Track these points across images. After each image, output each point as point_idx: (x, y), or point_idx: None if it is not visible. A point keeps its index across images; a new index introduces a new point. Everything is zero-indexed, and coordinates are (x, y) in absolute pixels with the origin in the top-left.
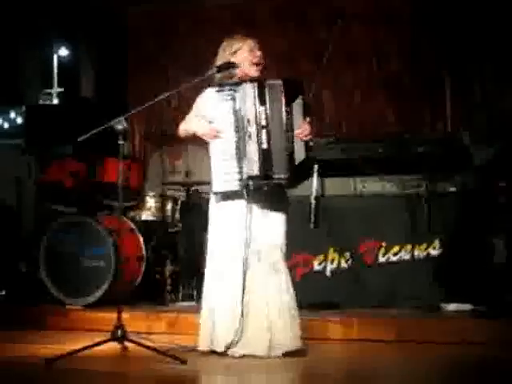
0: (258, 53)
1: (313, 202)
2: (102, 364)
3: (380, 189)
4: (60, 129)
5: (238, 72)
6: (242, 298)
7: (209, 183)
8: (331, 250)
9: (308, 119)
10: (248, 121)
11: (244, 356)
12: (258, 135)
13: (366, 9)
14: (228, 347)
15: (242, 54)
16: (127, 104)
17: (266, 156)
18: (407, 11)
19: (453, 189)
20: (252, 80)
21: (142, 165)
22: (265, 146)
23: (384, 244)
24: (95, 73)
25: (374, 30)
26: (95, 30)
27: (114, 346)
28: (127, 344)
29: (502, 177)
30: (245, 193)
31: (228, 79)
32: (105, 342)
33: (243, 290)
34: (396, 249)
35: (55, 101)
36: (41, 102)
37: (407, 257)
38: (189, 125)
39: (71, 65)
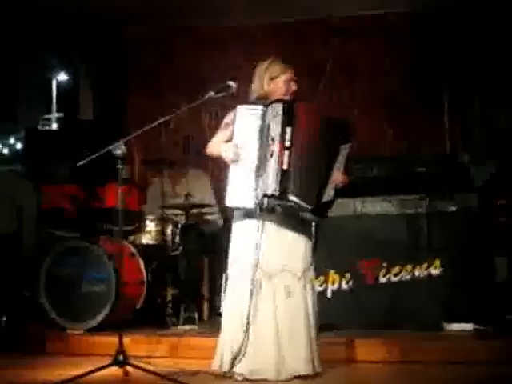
0: (294, 87)
1: (313, 223)
2: None
3: (380, 209)
4: (59, 154)
5: (261, 93)
6: (248, 319)
7: (209, 205)
8: (332, 271)
9: (342, 169)
10: (272, 139)
11: (247, 380)
12: (280, 155)
13: (364, 25)
14: (232, 367)
15: (279, 84)
16: (127, 127)
17: (284, 176)
18: (406, 28)
19: (453, 208)
20: (283, 100)
21: (142, 188)
22: (285, 166)
23: (385, 264)
24: (94, 97)
25: (373, 46)
26: (94, 53)
27: (115, 370)
28: (129, 368)
29: (501, 195)
30: (258, 210)
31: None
32: (106, 366)
33: (249, 311)
34: (397, 269)
35: (54, 126)
36: (40, 127)
37: (408, 277)
38: (215, 148)
39: (70, 89)
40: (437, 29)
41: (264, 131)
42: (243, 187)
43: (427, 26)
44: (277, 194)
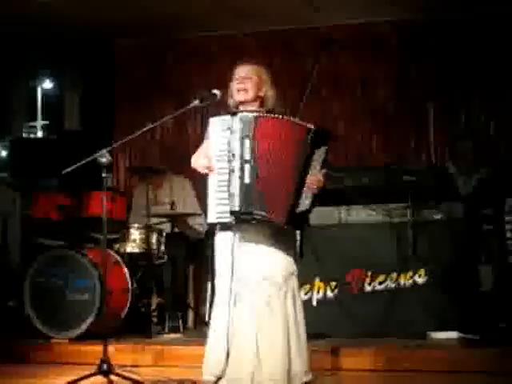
0: (237, 76)
1: (298, 231)
2: None
3: (365, 217)
4: (45, 162)
5: (231, 102)
6: (227, 331)
7: (194, 214)
8: (317, 279)
9: (324, 171)
10: (233, 154)
11: None
12: (241, 169)
13: (352, 36)
14: (216, 379)
15: (232, 84)
16: (113, 136)
17: (247, 191)
18: (394, 39)
19: (438, 217)
20: (243, 112)
21: (127, 197)
22: (247, 180)
23: (370, 273)
24: (80, 105)
25: (361, 57)
26: (81, 61)
27: (99, 379)
28: (113, 378)
29: (486, 205)
30: (231, 225)
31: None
32: (91, 375)
33: (228, 324)
34: (382, 277)
35: (39, 133)
36: (25, 135)
37: (393, 285)
38: (193, 160)
39: (56, 97)
40: (423, 40)
41: (230, 145)
42: (217, 202)
43: (414, 37)
44: (242, 210)
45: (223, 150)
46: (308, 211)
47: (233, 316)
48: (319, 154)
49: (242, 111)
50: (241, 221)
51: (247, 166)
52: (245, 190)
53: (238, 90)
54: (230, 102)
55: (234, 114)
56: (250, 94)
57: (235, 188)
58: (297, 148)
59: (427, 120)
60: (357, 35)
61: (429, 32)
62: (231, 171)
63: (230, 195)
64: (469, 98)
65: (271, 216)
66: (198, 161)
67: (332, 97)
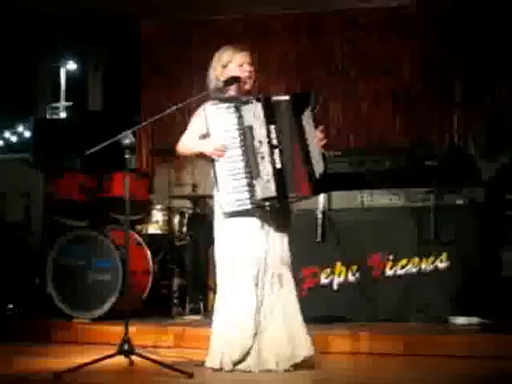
0: (248, 68)
1: (320, 215)
2: (109, 378)
3: (387, 202)
4: (68, 142)
5: (214, 84)
6: (255, 314)
7: None
8: (338, 263)
9: (321, 128)
10: (260, 142)
11: (251, 371)
12: (271, 155)
13: (378, 19)
14: (236, 364)
15: (231, 70)
16: (136, 117)
17: (280, 176)
18: (419, 21)
19: (460, 201)
20: (258, 98)
21: (149, 178)
22: (278, 165)
23: (391, 257)
24: (103, 86)
25: (386, 40)
26: (106, 42)
27: (120, 359)
28: (134, 358)
29: (509, 190)
30: (258, 212)
31: (221, 93)
32: (112, 355)
33: (256, 306)
34: (403, 262)
35: (63, 114)
36: (48, 115)
37: (414, 270)
38: (191, 145)
39: (80, 78)
40: (449, 19)
41: (246, 131)
42: (236, 190)
43: (440, 17)
44: (278, 195)
45: (237, 136)
46: (325, 172)
47: (257, 296)
48: (307, 116)
49: (236, 97)
50: (271, 207)
51: (276, 151)
52: (278, 175)
53: (249, 78)
54: (213, 84)
55: (243, 101)
56: (252, 83)
57: (268, 174)
58: (288, 121)
59: (451, 103)
60: (382, 18)
61: (454, 14)
62: (261, 158)
63: (263, 182)
64: (495, 79)
65: (301, 193)
66: (206, 144)
67: (356, 80)
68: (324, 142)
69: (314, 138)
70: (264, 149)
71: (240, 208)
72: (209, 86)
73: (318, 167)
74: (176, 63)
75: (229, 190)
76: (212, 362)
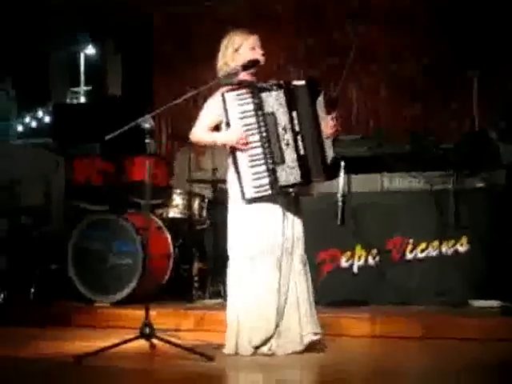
0: (261, 51)
1: (340, 198)
2: (130, 361)
3: (407, 185)
4: (87, 127)
5: (228, 69)
6: (278, 296)
7: None
8: (358, 246)
9: (334, 114)
10: (284, 129)
11: (274, 354)
12: (295, 142)
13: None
14: (257, 348)
15: (243, 54)
16: (154, 102)
17: (304, 162)
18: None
19: (480, 185)
20: (280, 84)
21: (169, 162)
22: (302, 152)
23: (411, 241)
24: (122, 71)
25: (405, 24)
26: (121, 29)
27: (141, 343)
28: (155, 341)
29: None
30: (281, 197)
31: (230, 78)
32: (133, 339)
33: (279, 289)
34: (423, 245)
35: (82, 99)
36: (68, 100)
37: (434, 253)
38: (210, 136)
39: (98, 63)
40: (470, 6)
41: (267, 118)
42: (257, 176)
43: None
44: (304, 181)
45: (257, 121)
46: (336, 158)
47: (280, 276)
48: (320, 102)
49: (251, 82)
50: (290, 192)
51: (299, 137)
52: (302, 160)
53: (263, 55)
54: (227, 69)
55: (264, 87)
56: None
57: (292, 161)
58: (305, 107)
59: (469, 88)
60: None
61: None
62: (285, 145)
63: (288, 168)
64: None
65: (323, 178)
66: (230, 136)
67: (373, 66)
68: (334, 128)
69: (327, 124)
70: (288, 135)
71: (261, 194)
72: (219, 71)
73: (329, 154)
74: (187, 51)
75: (250, 177)
76: (228, 349)
